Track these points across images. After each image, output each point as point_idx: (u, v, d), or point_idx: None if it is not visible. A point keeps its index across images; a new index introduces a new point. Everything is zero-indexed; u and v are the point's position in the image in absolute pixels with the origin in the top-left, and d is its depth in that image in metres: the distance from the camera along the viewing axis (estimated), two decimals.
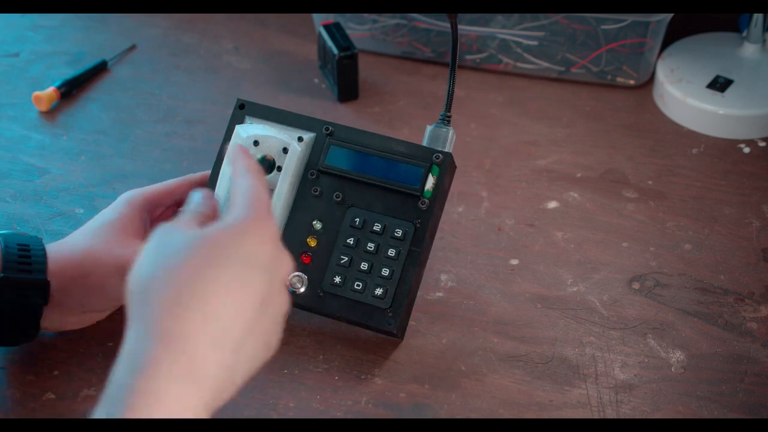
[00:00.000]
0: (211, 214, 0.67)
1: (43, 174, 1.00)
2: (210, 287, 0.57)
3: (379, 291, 0.79)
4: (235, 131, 0.83)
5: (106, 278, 0.77)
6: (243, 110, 0.85)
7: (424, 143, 0.83)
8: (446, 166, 0.80)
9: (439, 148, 0.82)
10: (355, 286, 0.80)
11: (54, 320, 0.79)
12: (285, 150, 0.82)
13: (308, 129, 0.83)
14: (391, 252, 0.80)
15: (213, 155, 0.86)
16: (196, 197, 0.68)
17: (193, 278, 0.57)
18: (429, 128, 0.84)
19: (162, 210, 0.85)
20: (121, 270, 0.78)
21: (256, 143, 0.82)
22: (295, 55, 1.16)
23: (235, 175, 0.67)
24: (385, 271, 0.79)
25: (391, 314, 0.79)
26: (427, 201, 0.80)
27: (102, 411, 0.54)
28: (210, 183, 0.84)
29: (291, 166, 0.81)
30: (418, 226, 0.80)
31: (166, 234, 0.61)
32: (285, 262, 0.63)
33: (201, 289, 0.56)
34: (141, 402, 0.53)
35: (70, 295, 0.77)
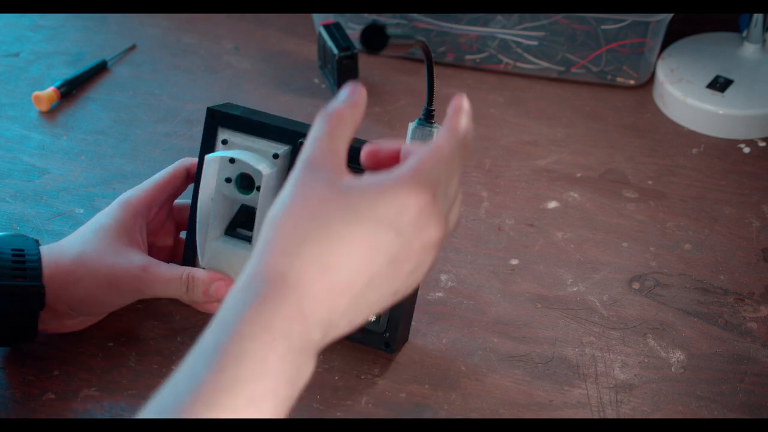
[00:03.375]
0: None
1: (43, 174, 1.00)
2: (335, 242, 0.56)
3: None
4: (205, 161, 0.78)
5: (95, 287, 0.77)
6: (214, 120, 0.79)
7: None
8: None
9: None
10: None
11: (50, 323, 0.79)
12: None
13: (284, 141, 0.78)
14: None
15: None
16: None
17: (321, 232, 0.56)
18: (411, 126, 0.79)
19: (157, 209, 0.83)
20: (111, 280, 0.76)
21: (232, 161, 0.78)
22: (295, 55, 1.16)
23: (441, 132, 0.63)
24: None
25: (387, 335, 0.79)
26: None
27: (210, 335, 0.54)
28: (193, 195, 0.80)
29: (268, 190, 0.77)
30: None
31: (311, 176, 0.59)
32: (430, 229, 0.59)
33: (326, 243, 0.56)
34: (248, 330, 0.53)
35: (60, 301, 0.77)
